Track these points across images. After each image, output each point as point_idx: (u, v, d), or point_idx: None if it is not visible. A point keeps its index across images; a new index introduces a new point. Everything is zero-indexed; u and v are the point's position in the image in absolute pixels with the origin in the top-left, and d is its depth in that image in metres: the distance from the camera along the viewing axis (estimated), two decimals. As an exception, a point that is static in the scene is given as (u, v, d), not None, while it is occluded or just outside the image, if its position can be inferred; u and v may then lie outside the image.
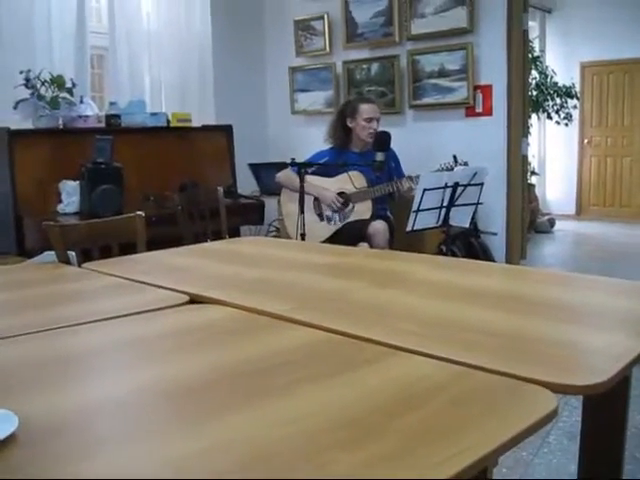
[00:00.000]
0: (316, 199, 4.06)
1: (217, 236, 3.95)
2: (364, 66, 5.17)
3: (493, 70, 4.56)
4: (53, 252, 2.47)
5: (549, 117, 8.25)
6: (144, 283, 1.81)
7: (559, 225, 8.33)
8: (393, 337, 1.23)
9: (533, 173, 8.39)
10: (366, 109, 4.11)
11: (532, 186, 8.18)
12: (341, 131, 4.17)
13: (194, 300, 1.62)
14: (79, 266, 2.23)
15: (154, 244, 2.72)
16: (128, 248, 2.60)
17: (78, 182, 4.03)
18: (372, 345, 1.22)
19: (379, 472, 0.76)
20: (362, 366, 1.13)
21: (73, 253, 2.58)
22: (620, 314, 1.45)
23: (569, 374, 1.06)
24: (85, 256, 2.50)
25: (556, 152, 9.26)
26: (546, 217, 8.34)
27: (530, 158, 7.16)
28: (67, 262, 2.44)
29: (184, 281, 1.80)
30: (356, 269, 2.01)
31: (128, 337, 1.37)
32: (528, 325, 1.32)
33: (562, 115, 8.20)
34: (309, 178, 3.89)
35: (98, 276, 1.96)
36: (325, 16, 5.33)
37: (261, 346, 1.27)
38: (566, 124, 8.31)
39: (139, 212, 2.67)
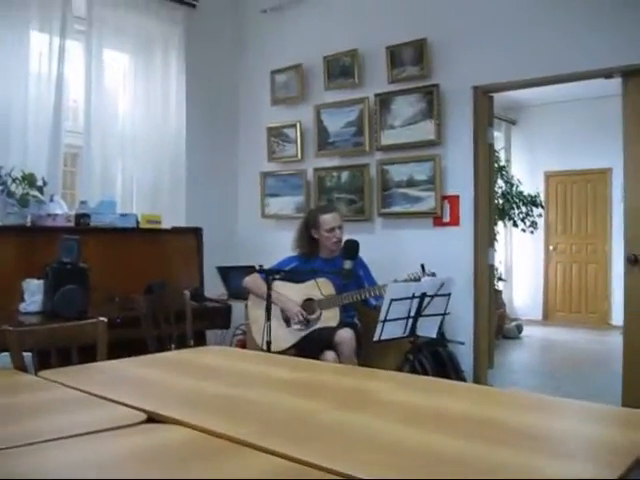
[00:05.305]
0: (283, 306, 4.03)
1: (182, 340, 3.89)
2: (334, 174, 5.27)
3: (460, 181, 4.67)
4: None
5: (515, 225, 8.43)
6: (101, 397, 1.75)
7: (527, 331, 8.36)
8: (357, 468, 1.19)
9: (500, 279, 8.49)
10: (327, 219, 4.15)
11: (499, 292, 8.25)
12: (307, 240, 4.20)
13: (151, 418, 1.56)
14: (35, 373, 2.16)
15: (118, 346, 2.67)
16: (89, 350, 2.54)
17: (42, 281, 3.96)
18: (335, 477, 1.17)
19: None
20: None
21: (30, 354, 2.52)
22: (590, 442, 1.43)
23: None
24: (43, 358, 2.43)
25: (522, 258, 9.43)
26: (514, 323, 8.38)
27: (497, 264, 7.26)
28: (23, 367, 2.37)
29: (143, 396, 1.75)
30: (322, 387, 1.96)
31: (80, 460, 1.31)
32: (496, 454, 1.29)
33: (527, 223, 8.39)
34: (277, 284, 3.88)
35: (54, 387, 1.89)
36: (297, 124, 5.47)
37: (218, 475, 1.21)
38: (532, 232, 8.50)
39: (102, 318, 2.62)
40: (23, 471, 1.24)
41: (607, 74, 4.17)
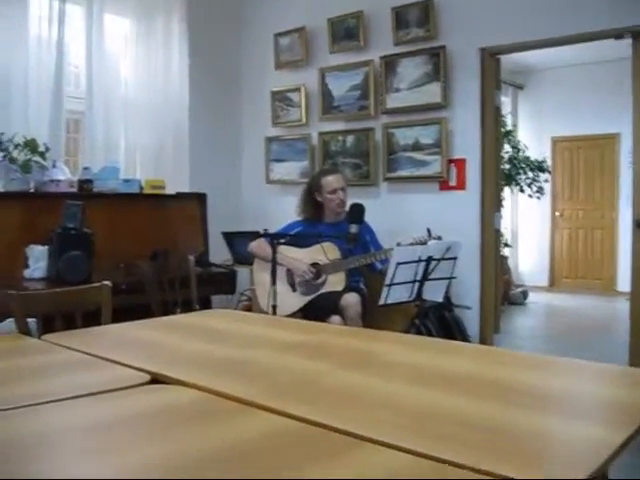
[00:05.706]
0: (289, 270, 4.01)
1: (187, 305, 3.88)
2: (339, 138, 5.22)
3: (467, 145, 4.62)
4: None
5: (521, 190, 8.37)
6: (105, 359, 1.73)
7: (532, 297, 8.34)
8: (364, 427, 1.17)
9: (506, 245, 8.45)
10: (329, 181, 4.11)
11: (505, 258, 8.22)
12: (311, 205, 4.17)
13: (156, 379, 1.55)
14: (39, 337, 2.15)
15: (123, 312, 2.65)
16: (93, 316, 2.52)
17: (47, 247, 3.95)
18: (340, 435, 1.16)
19: None
20: (327, 460, 1.07)
21: (34, 320, 2.51)
22: (598, 402, 1.41)
23: (545, 471, 1.01)
24: (48, 323, 2.42)
25: (529, 224, 9.37)
26: (519, 289, 8.35)
27: (503, 230, 7.22)
28: (27, 332, 2.36)
29: (147, 358, 1.73)
30: (328, 348, 1.94)
31: (84, 422, 1.29)
32: (504, 415, 1.27)
33: (534, 189, 8.32)
34: (282, 249, 3.84)
35: (58, 350, 1.88)
36: (302, 88, 5.40)
37: (225, 434, 1.20)
38: (538, 197, 8.43)
39: (106, 282, 2.60)
40: (27, 431, 1.23)
41: (617, 34, 4.09)
